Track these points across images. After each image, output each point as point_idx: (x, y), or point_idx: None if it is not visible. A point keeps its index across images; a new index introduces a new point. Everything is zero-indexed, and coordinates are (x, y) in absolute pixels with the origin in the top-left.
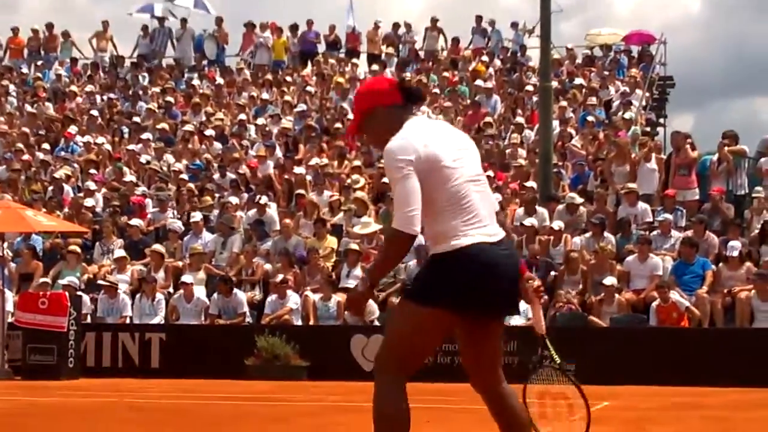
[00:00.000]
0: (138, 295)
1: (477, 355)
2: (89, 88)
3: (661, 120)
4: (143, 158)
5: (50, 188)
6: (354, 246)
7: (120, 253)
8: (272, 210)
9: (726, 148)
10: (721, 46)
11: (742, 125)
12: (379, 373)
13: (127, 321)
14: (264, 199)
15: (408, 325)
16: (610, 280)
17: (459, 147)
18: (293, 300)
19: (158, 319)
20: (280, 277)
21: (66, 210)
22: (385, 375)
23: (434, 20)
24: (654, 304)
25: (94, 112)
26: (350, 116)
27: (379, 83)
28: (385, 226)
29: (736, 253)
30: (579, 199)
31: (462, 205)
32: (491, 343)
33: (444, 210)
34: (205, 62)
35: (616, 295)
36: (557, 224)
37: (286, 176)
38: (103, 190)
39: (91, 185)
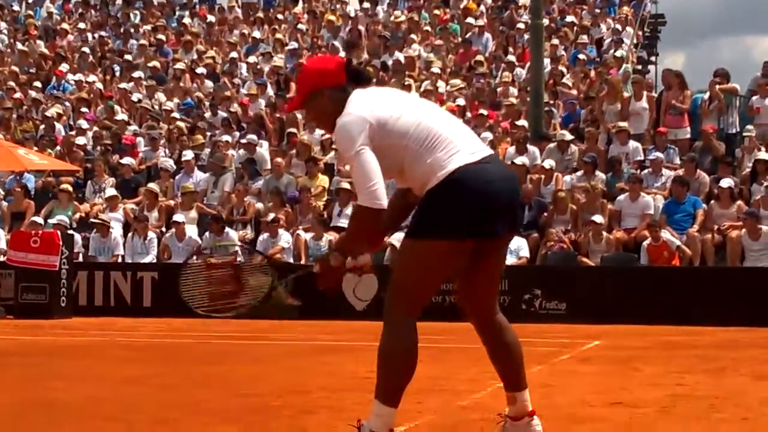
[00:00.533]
0: (130, 234)
1: (474, 285)
2: (81, 25)
3: (653, 58)
4: (135, 96)
5: (42, 127)
6: (345, 185)
7: (111, 191)
8: (263, 149)
9: (717, 87)
10: None
11: (734, 63)
12: (387, 314)
13: (119, 260)
14: (253, 138)
15: (411, 263)
16: (599, 218)
17: (404, 99)
18: (285, 239)
19: (150, 258)
20: (271, 216)
21: (58, 148)
22: (392, 315)
23: None
24: (645, 243)
25: (86, 50)
26: (341, 54)
27: (326, 63)
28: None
29: (726, 185)
30: (569, 136)
31: (434, 140)
32: (491, 271)
33: (420, 153)
34: (196, 0)
35: (605, 233)
36: (548, 163)
37: (277, 115)
38: (95, 128)
39: (83, 124)
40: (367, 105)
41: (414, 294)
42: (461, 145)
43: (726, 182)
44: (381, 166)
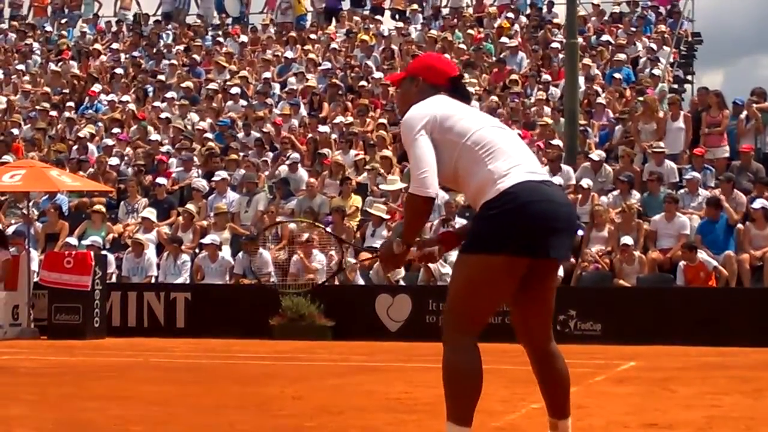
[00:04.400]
0: (165, 255)
1: (530, 311)
2: (113, 46)
3: (689, 77)
4: (167, 116)
5: (75, 147)
6: (374, 212)
7: (147, 213)
8: (301, 168)
9: (754, 106)
10: (750, 1)
11: None
12: (445, 332)
13: (153, 281)
14: (296, 158)
15: (467, 279)
16: (629, 240)
17: (474, 110)
18: (318, 259)
19: (183, 279)
20: (305, 236)
21: (91, 169)
22: (449, 334)
23: None
24: (681, 263)
25: (119, 71)
26: (375, 74)
27: (439, 62)
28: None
29: (759, 206)
30: (602, 155)
31: (493, 148)
32: (544, 295)
33: (479, 156)
34: (229, 20)
35: (640, 254)
36: (585, 182)
37: (310, 135)
38: (128, 149)
39: (116, 144)
40: (437, 102)
41: (470, 311)
42: (522, 161)
43: (759, 203)
44: (437, 163)
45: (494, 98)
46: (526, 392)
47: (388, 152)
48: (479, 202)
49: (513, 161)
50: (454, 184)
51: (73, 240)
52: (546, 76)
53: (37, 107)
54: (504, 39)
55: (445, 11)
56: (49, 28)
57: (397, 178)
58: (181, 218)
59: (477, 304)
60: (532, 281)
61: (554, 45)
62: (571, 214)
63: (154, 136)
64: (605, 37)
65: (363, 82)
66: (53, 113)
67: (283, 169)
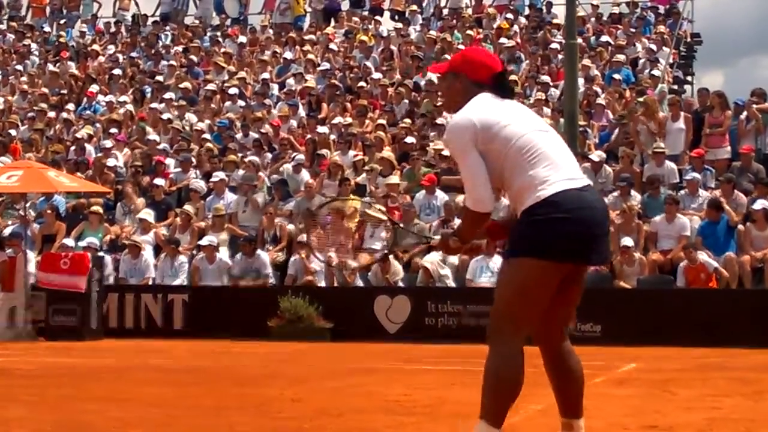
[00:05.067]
0: (162, 256)
1: (556, 310)
2: (112, 47)
3: (689, 78)
4: (165, 117)
5: (72, 148)
6: (373, 213)
7: (144, 214)
8: (303, 169)
9: (754, 106)
10: (749, 1)
11: None
12: (492, 335)
13: (150, 282)
14: (300, 158)
15: (514, 282)
16: (629, 241)
17: (517, 111)
18: (317, 261)
19: (180, 281)
20: (304, 237)
21: (89, 172)
22: (494, 336)
23: None
24: (681, 264)
25: (117, 71)
26: (374, 75)
27: (483, 56)
28: (410, 184)
29: (760, 207)
30: (602, 155)
31: (535, 154)
32: (573, 297)
33: (520, 163)
34: (227, 21)
35: (641, 255)
36: None
37: (309, 135)
38: (126, 150)
39: (114, 145)
40: (479, 108)
41: (517, 314)
42: (562, 167)
43: (760, 204)
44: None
45: None
46: (527, 394)
47: (386, 153)
48: (519, 207)
49: (554, 167)
50: (501, 185)
51: (70, 241)
52: (545, 77)
53: (35, 108)
54: (503, 40)
55: (443, 12)
56: (47, 28)
57: (396, 178)
58: (178, 219)
59: (524, 307)
60: (565, 284)
61: (553, 46)
62: (607, 218)
63: (152, 137)
64: (604, 38)
65: (362, 83)
66: (51, 114)
67: (287, 169)
